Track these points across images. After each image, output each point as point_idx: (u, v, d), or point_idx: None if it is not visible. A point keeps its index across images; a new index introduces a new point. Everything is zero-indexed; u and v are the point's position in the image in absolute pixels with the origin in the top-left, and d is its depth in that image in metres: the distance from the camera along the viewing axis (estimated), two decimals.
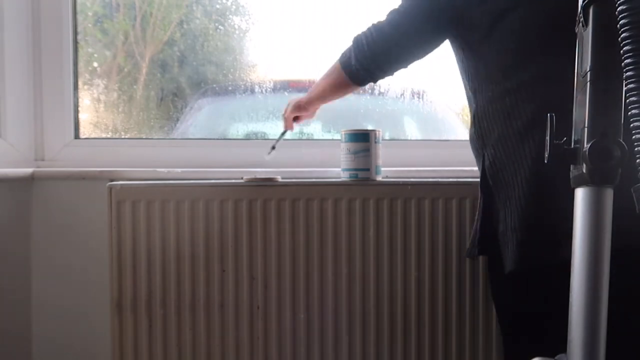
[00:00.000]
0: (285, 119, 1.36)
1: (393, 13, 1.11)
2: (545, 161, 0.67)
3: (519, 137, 0.98)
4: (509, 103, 0.99)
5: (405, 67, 1.15)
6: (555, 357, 0.76)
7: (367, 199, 1.25)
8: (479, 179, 1.38)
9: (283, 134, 1.39)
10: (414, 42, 1.11)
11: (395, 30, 1.09)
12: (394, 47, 1.10)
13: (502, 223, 1.01)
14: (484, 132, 1.05)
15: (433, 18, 1.07)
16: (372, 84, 1.21)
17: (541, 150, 0.94)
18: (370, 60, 1.12)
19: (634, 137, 0.53)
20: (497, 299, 1.14)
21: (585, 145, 0.59)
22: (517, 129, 0.98)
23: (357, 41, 1.14)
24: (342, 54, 1.18)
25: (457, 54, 1.14)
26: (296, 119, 1.36)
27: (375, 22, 1.13)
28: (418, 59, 1.14)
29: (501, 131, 1.01)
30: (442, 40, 1.12)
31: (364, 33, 1.13)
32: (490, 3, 1.00)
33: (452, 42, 1.13)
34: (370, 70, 1.14)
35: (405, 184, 1.26)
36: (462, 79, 1.15)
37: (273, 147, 1.40)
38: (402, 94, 1.64)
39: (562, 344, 1.03)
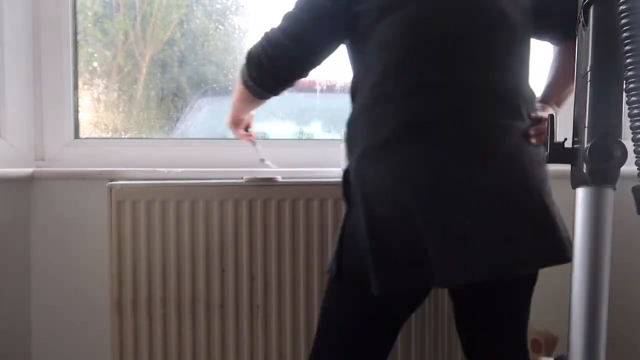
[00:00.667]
0: (241, 136, 1.33)
1: (288, 21, 0.99)
2: (545, 161, 0.67)
3: (379, 151, 0.90)
4: (377, 114, 0.91)
5: (306, 77, 1.06)
6: (555, 357, 0.76)
7: None
8: None
9: (254, 145, 1.38)
10: (316, 52, 1.01)
11: (295, 43, 0.98)
12: (295, 60, 1.01)
13: (360, 242, 0.92)
14: (351, 141, 0.98)
15: (330, 22, 0.97)
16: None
17: (394, 168, 0.88)
18: (267, 75, 1.02)
19: (634, 137, 0.53)
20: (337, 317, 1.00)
21: (585, 145, 0.59)
22: (379, 143, 0.90)
23: (250, 57, 1.03)
24: (241, 70, 1.07)
25: (349, 58, 1.05)
26: (246, 128, 1.32)
27: (268, 30, 1.01)
28: (316, 67, 1.04)
29: (365, 144, 0.92)
30: (339, 44, 1.02)
31: (257, 46, 1.02)
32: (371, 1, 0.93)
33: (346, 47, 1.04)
34: (267, 86, 1.05)
35: None
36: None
37: (262, 160, 1.40)
38: None
39: None
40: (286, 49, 0.98)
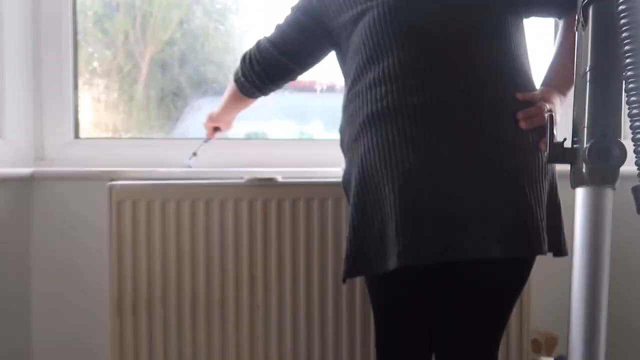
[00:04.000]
0: (207, 129, 1.39)
1: (275, 32, 1.14)
2: (546, 161, 0.67)
3: (353, 144, 0.97)
4: (351, 112, 0.99)
5: (294, 79, 1.20)
6: (555, 357, 0.76)
7: None
8: None
9: (205, 141, 1.40)
10: (299, 61, 1.15)
11: (280, 54, 1.13)
12: (275, 64, 1.14)
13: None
14: (341, 137, 1.06)
15: (309, 32, 1.10)
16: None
17: (364, 158, 0.92)
18: (255, 76, 1.17)
19: (634, 137, 0.53)
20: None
21: (584, 145, 0.59)
22: (352, 138, 0.97)
23: (243, 58, 1.19)
24: (235, 70, 1.22)
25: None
26: (216, 129, 1.38)
27: (261, 37, 1.17)
28: (303, 70, 1.18)
29: (346, 141, 1.02)
30: (326, 50, 1.13)
31: (250, 50, 1.18)
32: (349, 8, 1.00)
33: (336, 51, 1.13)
34: (256, 85, 1.18)
35: None
36: None
37: (194, 154, 1.40)
38: None
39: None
40: (272, 57, 1.14)
